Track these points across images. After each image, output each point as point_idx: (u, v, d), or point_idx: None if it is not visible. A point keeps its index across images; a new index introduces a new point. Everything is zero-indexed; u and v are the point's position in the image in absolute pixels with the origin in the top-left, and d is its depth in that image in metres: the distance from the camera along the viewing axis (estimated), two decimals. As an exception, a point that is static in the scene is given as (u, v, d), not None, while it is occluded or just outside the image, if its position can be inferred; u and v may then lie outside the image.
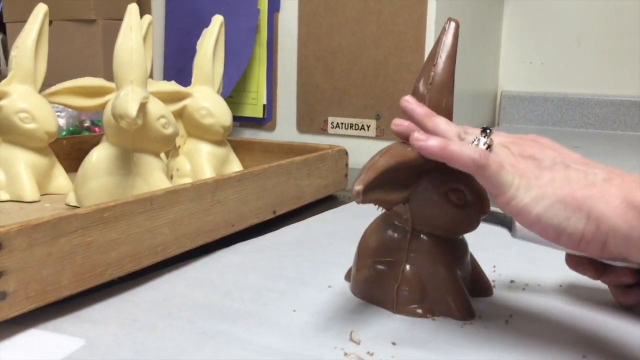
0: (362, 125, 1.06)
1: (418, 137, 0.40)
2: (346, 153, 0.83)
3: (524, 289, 0.50)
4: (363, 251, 0.48)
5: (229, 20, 0.91)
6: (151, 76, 1.21)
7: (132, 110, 0.58)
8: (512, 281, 0.52)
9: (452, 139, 0.41)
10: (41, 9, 0.75)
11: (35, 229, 0.41)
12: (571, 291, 0.50)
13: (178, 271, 0.52)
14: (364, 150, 1.04)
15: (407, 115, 0.44)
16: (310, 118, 1.11)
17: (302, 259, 0.56)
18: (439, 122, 0.44)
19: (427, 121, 0.43)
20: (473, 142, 0.41)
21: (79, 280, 0.44)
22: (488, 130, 0.42)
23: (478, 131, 0.42)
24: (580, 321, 0.44)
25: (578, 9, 1.37)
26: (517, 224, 0.45)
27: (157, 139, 0.66)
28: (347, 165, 0.83)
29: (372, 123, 1.05)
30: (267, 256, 0.57)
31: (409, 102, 0.45)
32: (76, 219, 0.43)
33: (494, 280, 0.50)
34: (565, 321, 0.44)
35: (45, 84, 0.74)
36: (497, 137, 0.42)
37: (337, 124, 1.08)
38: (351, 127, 1.07)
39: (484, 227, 0.46)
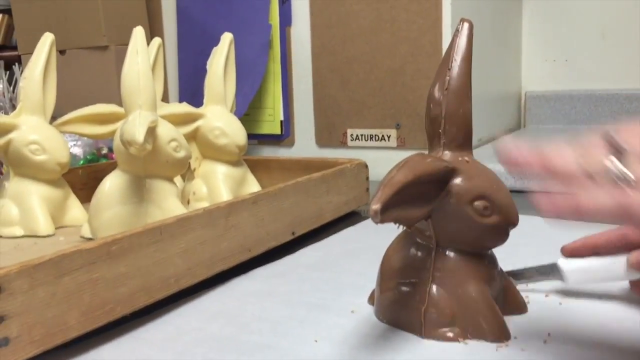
0: (383, 135, 1.03)
1: (540, 201, 0.33)
2: (366, 166, 0.80)
3: (560, 303, 0.46)
4: (386, 272, 0.45)
5: (240, 37, 0.90)
6: (167, 99, 1.20)
7: (140, 135, 0.56)
8: (546, 295, 0.48)
9: (577, 180, 0.33)
10: (47, 39, 0.74)
11: (37, 268, 0.39)
12: (612, 303, 0.46)
13: (192, 303, 0.50)
14: (385, 162, 1.01)
15: (512, 165, 0.37)
16: (328, 131, 1.08)
17: (323, 282, 0.54)
18: (552, 158, 0.35)
19: (542, 162, 0.35)
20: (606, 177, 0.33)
21: (86, 319, 0.42)
22: (617, 147, 0.33)
23: (601, 153, 0.33)
24: (626, 336, 0.40)
25: (600, 1, 1.32)
26: (565, 270, 0.41)
27: (169, 164, 0.64)
28: (367, 178, 0.81)
29: (393, 133, 1.02)
30: (286, 281, 0.54)
31: (509, 148, 0.36)
32: (81, 255, 0.41)
33: (527, 296, 0.47)
34: (610, 338, 0.40)
35: (61, 114, 0.73)
36: (634, 156, 0.32)
37: (357, 135, 1.05)
38: (371, 138, 1.04)
39: (511, 238, 0.43)
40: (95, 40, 1.15)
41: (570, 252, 0.41)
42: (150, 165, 0.63)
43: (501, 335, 0.41)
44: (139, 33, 0.63)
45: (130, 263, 0.45)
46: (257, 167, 0.86)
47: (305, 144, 1.11)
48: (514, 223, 0.42)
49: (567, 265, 0.41)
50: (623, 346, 0.39)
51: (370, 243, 0.64)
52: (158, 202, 0.64)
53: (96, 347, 0.42)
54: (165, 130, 0.64)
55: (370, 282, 0.47)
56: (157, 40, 0.83)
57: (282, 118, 1.13)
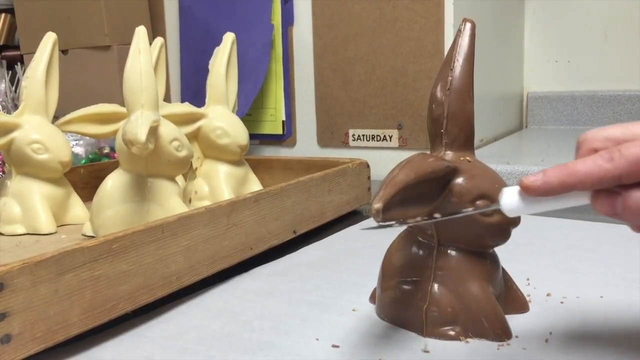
0: (384, 136, 1.03)
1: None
2: (368, 166, 0.80)
3: (562, 302, 0.46)
4: (387, 271, 0.46)
5: (243, 37, 0.90)
6: (169, 98, 1.21)
7: (142, 135, 0.56)
8: (548, 294, 0.48)
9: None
10: (50, 38, 0.74)
11: (39, 265, 0.39)
12: (614, 303, 0.46)
13: (194, 301, 0.50)
14: (387, 162, 1.01)
15: (542, 193, 0.34)
16: (330, 132, 1.08)
17: (324, 281, 0.54)
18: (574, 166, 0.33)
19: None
20: None
21: (88, 317, 0.42)
22: None
23: None
24: (626, 337, 0.40)
25: (602, 2, 1.32)
26: (505, 193, 0.36)
27: (171, 163, 0.64)
28: (369, 178, 0.81)
29: (394, 133, 1.02)
30: (287, 280, 0.54)
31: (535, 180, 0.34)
32: (83, 252, 0.41)
33: (528, 295, 0.47)
34: (611, 337, 0.40)
35: (63, 113, 0.73)
36: None
37: (359, 136, 1.05)
38: (373, 138, 1.04)
39: (513, 238, 0.43)
40: (98, 40, 1.15)
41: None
42: (153, 165, 0.63)
43: (502, 334, 0.41)
44: (141, 33, 0.63)
45: (132, 261, 0.45)
46: (259, 167, 0.86)
47: (307, 144, 1.11)
48: (515, 222, 0.42)
49: (513, 190, 0.36)
50: (625, 345, 0.39)
51: (371, 242, 0.64)
52: (160, 201, 0.64)
53: (98, 345, 0.43)
54: (167, 130, 0.64)
55: (371, 280, 0.47)
56: (159, 40, 0.83)
57: (283, 118, 1.13)
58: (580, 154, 0.35)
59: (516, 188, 0.36)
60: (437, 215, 0.40)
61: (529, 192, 0.34)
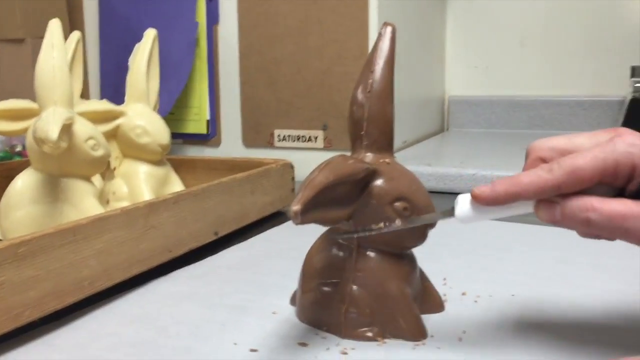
0: (310, 136, 1.03)
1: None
2: (292, 167, 0.80)
3: (476, 301, 0.48)
4: (307, 273, 0.45)
5: (166, 34, 0.87)
6: (87, 95, 1.16)
7: (53, 133, 0.54)
8: (464, 293, 0.49)
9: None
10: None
11: None
12: (524, 301, 0.48)
13: (108, 307, 0.48)
14: (312, 163, 1.01)
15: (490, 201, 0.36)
16: (255, 132, 1.07)
17: (244, 283, 0.53)
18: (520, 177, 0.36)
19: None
20: None
21: (-9, 325, 0.39)
22: None
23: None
24: (536, 333, 0.42)
25: (520, 11, 1.38)
26: (459, 203, 0.38)
27: (87, 162, 0.62)
28: (293, 179, 0.80)
29: (320, 134, 1.02)
30: (207, 283, 0.53)
31: (483, 191, 0.36)
32: (-15, 257, 0.39)
33: (445, 294, 0.48)
34: (520, 334, 0.42)
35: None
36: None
37: (284, 136, 1.05)
38: (298, 139, 1.04)
39: (431, 239, 0.44)
40: (11, 33, 1.09)
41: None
42: (66, 164, 0.61)
43: (418, 334, 0.42)
44: (55, 26, 0.61)
45: (40, 266, 0.43)
46: (182, 167, 0.84)
47: (231, 144, 1.10)
48: (432, 224, 0.43)
49: (465, 199, 0.38)
50: (535, 341, 0.40)
51: (293, 244, 0.63)
52: (74, 202, 0.61)
53: (1, 354, 0.40)
54: (83, 128, 0.61)
55: (293, 282, 0.47)
56: (76, 34, 0.79)
57: (208, 117, 1.11)
58: (527, 162, 0.38)
59: (468, 196, 0.38)
60: (398, 222, 0.41)
61: (478, 200, 0.36)
